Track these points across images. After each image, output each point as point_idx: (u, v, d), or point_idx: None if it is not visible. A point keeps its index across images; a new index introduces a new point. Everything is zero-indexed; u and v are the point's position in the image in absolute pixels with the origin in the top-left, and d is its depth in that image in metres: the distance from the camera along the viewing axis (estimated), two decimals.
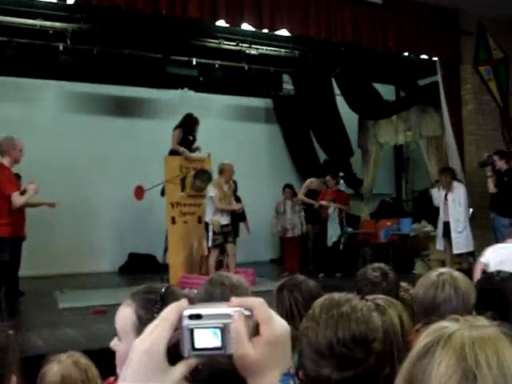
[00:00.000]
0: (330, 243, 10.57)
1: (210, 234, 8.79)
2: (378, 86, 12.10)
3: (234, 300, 0.87)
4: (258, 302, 0.87)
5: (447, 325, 0.95)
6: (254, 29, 8.45)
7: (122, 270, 11.90)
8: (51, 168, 11.03)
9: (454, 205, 9.12)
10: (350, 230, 11.23)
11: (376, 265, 3.11)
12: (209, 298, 2.19)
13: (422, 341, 0.94)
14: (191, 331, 0.82)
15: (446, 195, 9.17)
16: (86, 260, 11.56)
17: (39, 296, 8.77)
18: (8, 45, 9.63)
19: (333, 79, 12.14)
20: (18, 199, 6.48)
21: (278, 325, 0.87)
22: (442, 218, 9.34)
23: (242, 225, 10.79)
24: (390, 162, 14.70)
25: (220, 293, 2.19)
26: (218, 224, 8.83)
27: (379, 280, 2.90)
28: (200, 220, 9.63)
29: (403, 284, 3.20)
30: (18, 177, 8.10)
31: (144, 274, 9.89)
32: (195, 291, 7.49)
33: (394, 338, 1.85)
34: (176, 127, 9.67)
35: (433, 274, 2.53)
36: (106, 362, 2.37)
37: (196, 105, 11.83)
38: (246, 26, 8.29)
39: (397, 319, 1.90)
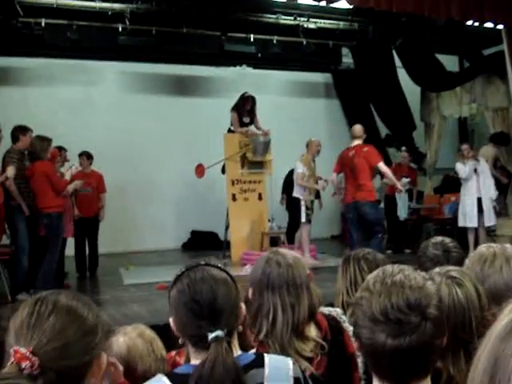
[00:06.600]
0: (402, 218, 10.44)
1: (303, 209, 8.90)
2: (441, 57, 11.73)
3: None
4: None
5: None
6: (312, 2, 8.29)
7: (184, 247, 12.09)
8: (114, 147, 11.25)
9: (484, 178, 8.95)
10: (413, 205, 11.03)
11: (439, 239, 2.95)
12: (266, 278, 2.17)
13: (503, 318, 0.87)
14: None
15: (475, 169, 8.95)
16: (149, 237, 11.77)
17: (105, 273, 9.00)
18: (68, 28, 9.81)
19: (394, 51, 11.86)
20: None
21: None
22: (475, 194, 9.03)
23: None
24: (454, 135, 14.30)
25: (277, 274, 2.17)
26: (309, 199, 8.95)
27: (440, 259, 2.79)
28: (260, 197, 9.65)
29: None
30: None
31: (206, 251, 9.99)
32: None
33: (471, 310, 1.79)
34: (231, 109, 9.67)
35: (483, 247, 2.42)
36: (169, 336, 2.40)
37: (254, 81, 11.81)
38: (303, 0, 8.16)
39: (474, 292, 1.84)
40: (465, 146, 9.22)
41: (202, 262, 1.74)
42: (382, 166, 8.18)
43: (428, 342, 1.34)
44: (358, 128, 8.36)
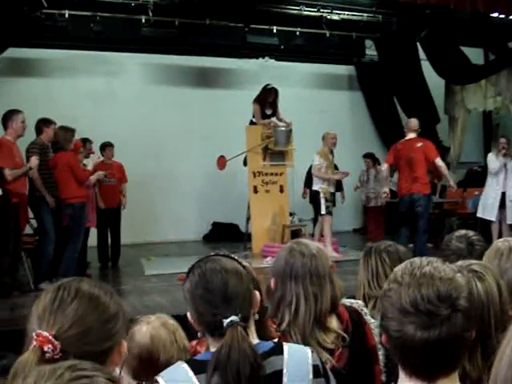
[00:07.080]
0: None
1: (323, 201, 8.88)
2: (466, 50, 11.58)
3: None
4: None
5: None
6: None
7: (205, 238, 12.11)
8: (136, 139, 11.29)
9: (510, 176, 8.86)
10: (436, 198, 10.92)
11: (463, 232, 2.94)
12: (289, 267, 2.17)
13: None
14: None
15: (505, 164, 8.83)
16: (171, 229, 11.82)
17: (127, 263, 9.06)
18: (92, 19, 9.85)
19: (418, 43, 11.74)
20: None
21: None
22: (500, 188, 8.95)
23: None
24: (479, 128, 14.13)
25: (300, 264, 2.16)
26: (328, 191, 8.92)
27: (464, 253, 2.76)
28: (282, 189, 9.63)
29: None
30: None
31: (227, 243, 10.01)
32: None
33: (491, 305, 1.76)
34: (253, 101, 9.65)
35: (499, 242, 2.39)
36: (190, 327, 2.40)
37: (277, 73, 11.76)
38: None
39: (495, 286, 1.81)
40: (503, 140, 9.12)
41: (212, 254, 1.79)
42: (439, 160, 8.19)
43: (458, 335, 1.32)
44: (414, 121, 8.37)
